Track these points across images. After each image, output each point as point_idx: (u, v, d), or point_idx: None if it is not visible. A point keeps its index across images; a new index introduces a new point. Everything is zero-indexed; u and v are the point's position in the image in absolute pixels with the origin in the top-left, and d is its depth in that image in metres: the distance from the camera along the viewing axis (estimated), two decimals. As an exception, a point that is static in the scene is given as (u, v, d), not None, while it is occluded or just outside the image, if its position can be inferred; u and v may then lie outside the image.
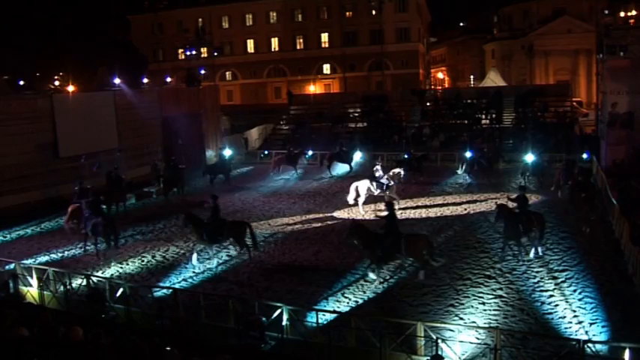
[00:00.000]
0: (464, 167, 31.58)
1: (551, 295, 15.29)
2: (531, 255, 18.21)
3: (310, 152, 39.34)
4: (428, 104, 50.10)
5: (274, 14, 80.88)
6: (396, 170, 26.75)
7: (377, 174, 25.47)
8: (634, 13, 36.68)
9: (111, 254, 20.41)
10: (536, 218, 18.45)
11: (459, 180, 31.65)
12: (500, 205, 19.02)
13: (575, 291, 15.49)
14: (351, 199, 25.45)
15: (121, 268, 19.26)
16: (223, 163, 34.71)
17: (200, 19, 79.31)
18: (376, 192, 25.28)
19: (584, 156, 33.08)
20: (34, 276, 16.83)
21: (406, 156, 33.16)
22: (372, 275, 16.89)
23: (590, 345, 11.23)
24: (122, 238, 22.37)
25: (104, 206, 23.87)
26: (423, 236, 17.93)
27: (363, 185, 25.31)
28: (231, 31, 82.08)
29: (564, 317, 13.96)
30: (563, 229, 21.10)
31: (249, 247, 19.43)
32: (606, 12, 36.87)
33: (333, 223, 23.90)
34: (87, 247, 21.20)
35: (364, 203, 25.36)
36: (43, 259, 20.49)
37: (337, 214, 25.61)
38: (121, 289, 15.29)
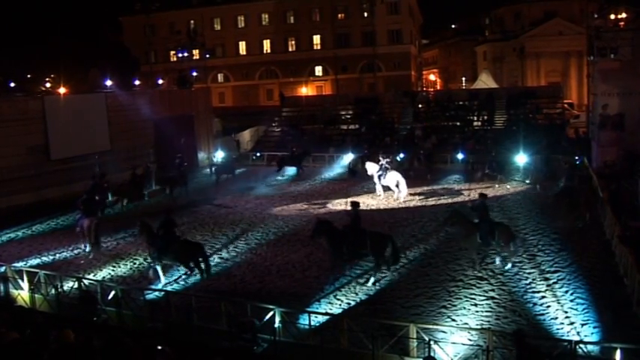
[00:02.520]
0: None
1: (543, 297, 15.34)
2: (497, 262, 17.77)
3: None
4: (420, 106, 50.21)
5: (266, 16, 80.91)
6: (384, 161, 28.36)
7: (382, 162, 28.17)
8: (624, 15, 36.85)
9: (94, 254, 20.60)
10: (501, 230, 17.64)
11: (453, 181, 31.84)
12: (454, 212, 18.76)
13: (566, 292, 15.55)
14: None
15: (113, 270, 19.19)
16: (229, 163, 35.86)
17: (192, 21, 79.10)
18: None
19: (576, 158, 33.18)
20: (25, 279, 16.71)
21: (402, 155, 33.42)
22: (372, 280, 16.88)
23: (581, 346, 11.29)
24: (114, 240, 22.33)
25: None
26: (388, 236, 17.67)
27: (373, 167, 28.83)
28: (223, 33, 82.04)
29: (556, 318, 14.01)
30: (555, 231, 21.16)
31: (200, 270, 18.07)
32: (595, 15, 37.04)
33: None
34: (81, 247, 21.27)
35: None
36: (35, 261, 20.35)
37: (330, 216, 25.58)
38: (112, 292, 15.24)
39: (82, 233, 20.89)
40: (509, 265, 17.47)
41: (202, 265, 17.70)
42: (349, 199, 20.73)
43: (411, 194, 28.72)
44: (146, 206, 28.95)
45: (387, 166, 28.34)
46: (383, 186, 28.65)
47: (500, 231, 17.50)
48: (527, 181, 27.66)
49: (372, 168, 29.25)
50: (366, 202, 27.78)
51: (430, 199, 28.24)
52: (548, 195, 25.77)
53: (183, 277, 18.10)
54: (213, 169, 36.30)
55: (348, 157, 37.49)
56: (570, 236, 20.40)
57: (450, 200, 27.59)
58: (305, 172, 36.00)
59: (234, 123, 52.34)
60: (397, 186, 27.94)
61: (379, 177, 28.42)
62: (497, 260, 17.85)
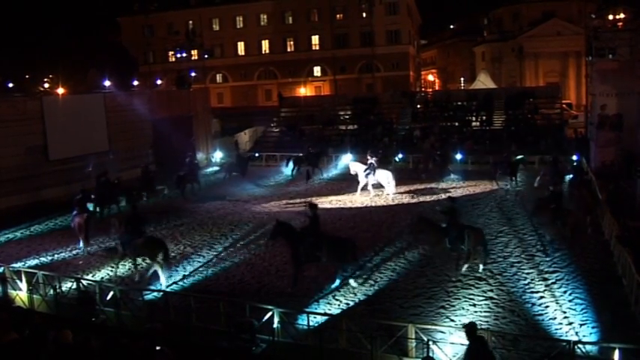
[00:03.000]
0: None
1: (542, 297, 15.35)
2: (463, 269, 17.37)
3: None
4: (418, 106, 50.18)
5: (265, 16, 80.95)
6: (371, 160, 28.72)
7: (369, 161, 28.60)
8: (622, 16, 36.90)
9: (85, 250, 20.89)
10: (470, 234, 17.20)
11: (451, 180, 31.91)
12: (420, 219, 18.43)
13: (565, 292, 15.56)
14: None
15: (111, 271, 19.15)
16: (240, 162, 35.90)
17: (190, 22, 79.23)
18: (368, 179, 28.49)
19: (574, 157, 33.19)
20: (24, 279, 16.71)
21: (400, 155, 33.48)
22: (352, 282, 16.82)
23: (580, 346, 11.31)
24: (112, 240, 22.29)
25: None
26: (349, 241, 17.59)
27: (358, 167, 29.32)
28: (222, 34, 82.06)
29: (555, 318, 14.01)
30: (550, 233, 21.10)
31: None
32: (593, 15, 37.06)
33: (323, 226, 23.79)
34: (78, 247, 21.35)
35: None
36: (33, 262, 20.32)
37: (329, 216, 25.59)
38: (111, 292, 15.22)
39: (75, 230, 21.19)
40: (480, 268, 17.24)
41: (161, 263, 17.59)
42: (308, 200, 20.45)
43: (411, 192, 28.87)
44: (145, 205, 28.89)
45: (375, 164, 28.64)
46: (372, 184, 28.91)
47: (469, 235, 17.08)
48: (536, 185, 27.21)
49: (356, 167, 29.53)
50: (360, 200, 28.06)
51: (430, 198, 28.25)
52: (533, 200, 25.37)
53: (183, 277, 18.11)
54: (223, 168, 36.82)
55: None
56: (565, 240, 20.34)
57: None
58: (320, 172, 35.89)
59: (233, 123, 52.35)
60: (388, 183, 28.39)
61: (367, 175, 28.63)
62: (464, 267, 17.49)
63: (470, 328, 10.18)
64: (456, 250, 17.24)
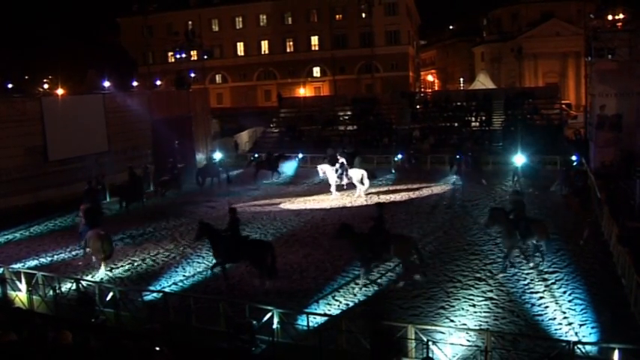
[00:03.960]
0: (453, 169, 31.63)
1: (541, 297, 15.34)
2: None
3: (300, 155, 39.48)
4: (418, 107, 50.25)
5: (264, 17, 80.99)
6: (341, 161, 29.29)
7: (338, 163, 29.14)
8: (622, 16, 36.96)
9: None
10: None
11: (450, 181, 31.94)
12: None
13: (565, 292, 15.55)
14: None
15: (111, 271, 19.16)
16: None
17: (190, 22, 79.25)
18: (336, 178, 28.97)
19: (573, 158, 33.20)
20: (23, 280, 16.71)
21: (400, 155, 33.54)
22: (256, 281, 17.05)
23: (580, 346, 11.29)
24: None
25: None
26: (267, 244, 17.78)
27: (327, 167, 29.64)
28: (221, 34, 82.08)
29: (554, 319, 14.01)
30: (553, 232, 21.11)
31: None
32: (592, 16, 37.10)
33: (323, 226, 23.86)
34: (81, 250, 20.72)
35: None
36: (32, 263, 20.30)
37: (328, 216, 25.63)
38: (110, 293, 15.21)
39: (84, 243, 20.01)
40: (400, 284, 16.68)
41: (106, 254, 18.67)
42: (230, 205, 20.18)
43: (412, 192, 28.81)
44: (143, 207, 28.95)
45: (345, 163, 29.03)
46: (341, 185, 29.32)
47: (395, 244, 16.66)
48: (552, 189, 27.06)
49: (326, 169, 29.77)
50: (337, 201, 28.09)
51: (428, 199, 28.29)
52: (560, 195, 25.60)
53: (182, 278, 18.11)
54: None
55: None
56: (569, 236, 20.41)
57: (444, 202, 27.72)
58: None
59: (233, 124, 52.35)
60: (361, 182, 28.73)
61: (340, 176, 28.85)
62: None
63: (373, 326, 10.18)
64: (379, 258, 17.01)
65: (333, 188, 29.24)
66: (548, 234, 17.84)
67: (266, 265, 16.72)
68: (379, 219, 17.12)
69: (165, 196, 31.25)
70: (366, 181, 28.82)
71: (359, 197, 28.77)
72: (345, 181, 28.97)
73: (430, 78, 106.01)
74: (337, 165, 29.16)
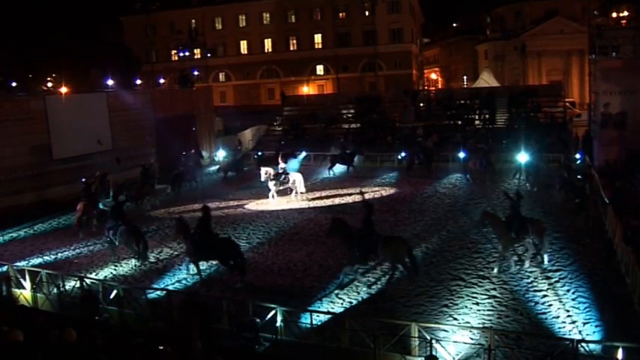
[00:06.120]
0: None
1: (545, 295, 15.33)
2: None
3: (304, 153, 39.37)
4: (421, 105, 50.14)
5: (267, 15, 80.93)
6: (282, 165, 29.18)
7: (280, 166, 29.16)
8: (626, 13, 36.87)
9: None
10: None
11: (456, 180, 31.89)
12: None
13: (568, 291, 15.54)
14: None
15: (115, 269, 19.20)
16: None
17: (193, 21, 79.12)
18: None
19: (577, 156, 33.12)
20: (27, 278, 16.76)
21: (403, 154, 33.52)
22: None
23: (583, 344, 11.28)
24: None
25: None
26: (233, 244, 17.85)
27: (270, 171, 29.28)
28: (224, 32, 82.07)
29: (558, 317, 14.00)
30: (557, 229, 21.13)
31: None
32: (595, 13, 37.03)
33: (327, 224, 23.78)
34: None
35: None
36: (37, 261, 20.37)
37: (331, 214, 25.59)
38: (114, 291, 15.25)
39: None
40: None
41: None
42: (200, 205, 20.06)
43: (412, 192, 28.80)
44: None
45: (285, 169, 29.05)
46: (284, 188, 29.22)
47: (385, 246, 16.39)
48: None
49: (267, 172, 29.25)
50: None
51: (432, 197, 28.26)
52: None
53: (186, 276, 18.14)
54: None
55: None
56: (573, 234, 20.39)
57: (447, 200, 27.70)
58: (355, 171, 35.86)
59: (236, 122, 52.36)
60: (294, 185, 28.81)
61: (282, 182, 28.80)
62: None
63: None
64: (365, 261, 16.87)
65: (273, 193, 28.86)
66: (544, 232, 17.79)
67: (232, 265, 17.10)
68: (366, 220, 16.71)
69: (182, 189, 31.10)
70: (301, 186, 28.76)
71: (295, 200, 28.68)
72: (286, 186, 28.94)
73: (433, 76, 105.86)
74: (279, 168, 29.03)
